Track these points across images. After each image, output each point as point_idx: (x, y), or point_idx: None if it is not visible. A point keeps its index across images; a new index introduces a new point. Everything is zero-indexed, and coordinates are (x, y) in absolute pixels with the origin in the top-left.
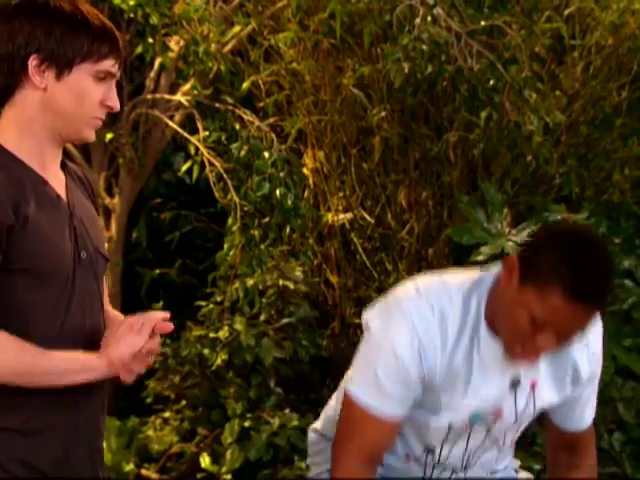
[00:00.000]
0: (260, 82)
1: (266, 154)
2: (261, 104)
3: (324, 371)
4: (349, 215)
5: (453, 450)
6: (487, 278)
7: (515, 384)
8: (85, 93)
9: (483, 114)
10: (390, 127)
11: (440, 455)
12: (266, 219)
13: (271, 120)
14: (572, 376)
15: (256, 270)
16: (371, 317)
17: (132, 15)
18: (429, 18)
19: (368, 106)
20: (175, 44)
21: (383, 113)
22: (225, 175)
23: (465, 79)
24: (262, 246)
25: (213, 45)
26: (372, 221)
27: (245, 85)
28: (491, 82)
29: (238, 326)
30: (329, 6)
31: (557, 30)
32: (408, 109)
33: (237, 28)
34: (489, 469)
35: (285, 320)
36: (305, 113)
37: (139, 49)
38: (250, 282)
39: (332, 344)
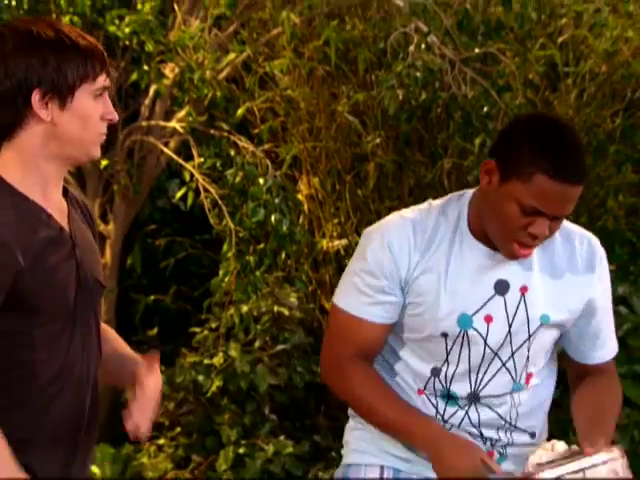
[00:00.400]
0: (255, 109)
1: (261, 180)
2: (256, 131)
3: (319, 398)
4: (344, 241)
5: (458, 369)
6: (467, 194)
7: (502, 287)
8: (88, 115)
9: (477, 141)
10: (384, 154)
11: (446, 377)
12: (261, 245)
13: (266, 146)
14: (574, 293)
15: (251, 296)
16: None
17: (127, 42)
18: (423, 45)
19: (362, 133)
20: (170, 71)
21: (378, 140)
22: (220, 201)
23: (459, 106)
24: (257, 272)
25: (208, 72)
26: None
27: (240, 112)
28: (485, 109)
29: (233, 352)
30: (324, 33)
31: (551, 57)
32: (402, 136)
33: (232, 55)
34: (502, 409)
35: (280, 346)
36: (300, 140)
37: (134, 76)
38: (245, 308)
39: None
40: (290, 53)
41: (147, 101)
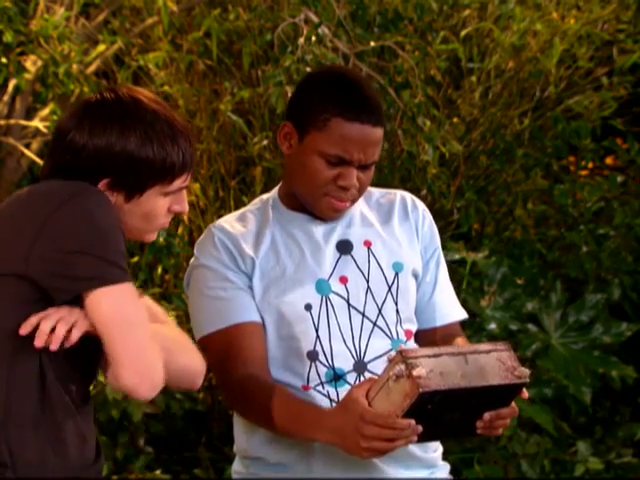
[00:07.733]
0: None
1: None
2: None
3: (200, 428)
4: None
5: (333, 342)
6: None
7: (345, 247)
8: (154, 210)
9: None
10: (273, 157)
11: (325, 355)
12: (135, 258)
13: None
14: (411, 240)
15: None
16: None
17: None
18: (314, 38)
19: (248, 134)
20: (32, 64)
21: (265, 141)
22: None
23: None
24: None
25: (75, 65)
26: None
27: None
28: None
29: (102, 378)
30: (204, 24)
31: (453, 52)
32: None
33: (102, 47)
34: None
35: None
36: None
37: None
38: None
39: (209, 397)
40: (167, 45)
41: (6, 97)
